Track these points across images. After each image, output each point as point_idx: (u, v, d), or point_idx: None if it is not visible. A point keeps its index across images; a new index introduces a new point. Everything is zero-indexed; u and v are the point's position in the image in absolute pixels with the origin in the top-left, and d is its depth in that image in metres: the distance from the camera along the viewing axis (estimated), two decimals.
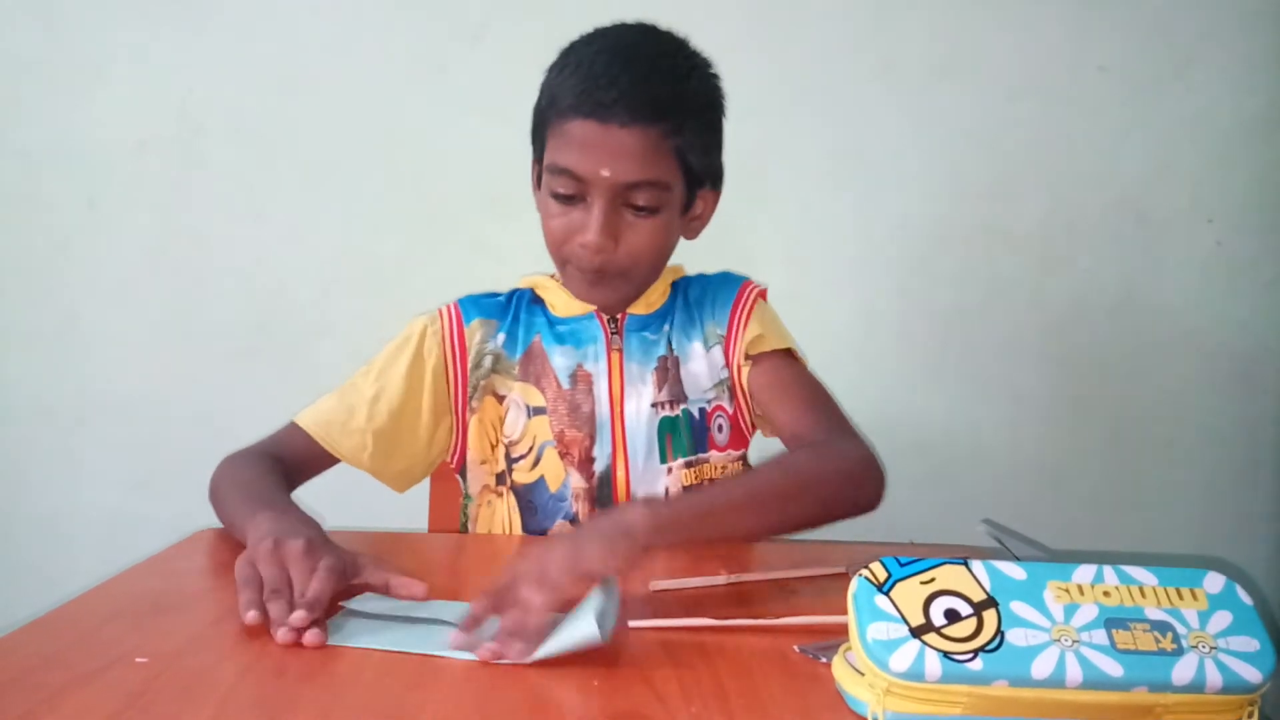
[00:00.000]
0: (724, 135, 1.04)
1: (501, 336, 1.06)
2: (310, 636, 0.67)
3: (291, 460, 0.97)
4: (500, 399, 1.05)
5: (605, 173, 0.93)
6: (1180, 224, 1.67)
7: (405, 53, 1.61)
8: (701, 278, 1.12)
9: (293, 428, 1.00)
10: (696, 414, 1.05)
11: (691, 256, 1.15)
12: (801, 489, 0.85)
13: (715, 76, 1.02)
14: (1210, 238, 1.67)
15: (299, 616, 0.67)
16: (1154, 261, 1.68)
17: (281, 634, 0.67)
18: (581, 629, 0.63)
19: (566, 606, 0.67)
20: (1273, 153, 1.66)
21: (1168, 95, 1.64)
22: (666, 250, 1.04)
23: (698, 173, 1.01)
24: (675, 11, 1.06)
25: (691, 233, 1.07)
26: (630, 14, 1.05)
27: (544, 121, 0.99)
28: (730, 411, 1.06)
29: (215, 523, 0.92)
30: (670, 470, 1.03)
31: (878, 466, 0.91)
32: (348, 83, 1.61)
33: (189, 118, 1.62)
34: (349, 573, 0.77)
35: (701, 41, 1.04)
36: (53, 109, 1.62)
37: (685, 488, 1.03)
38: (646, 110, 0.93)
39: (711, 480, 1.04)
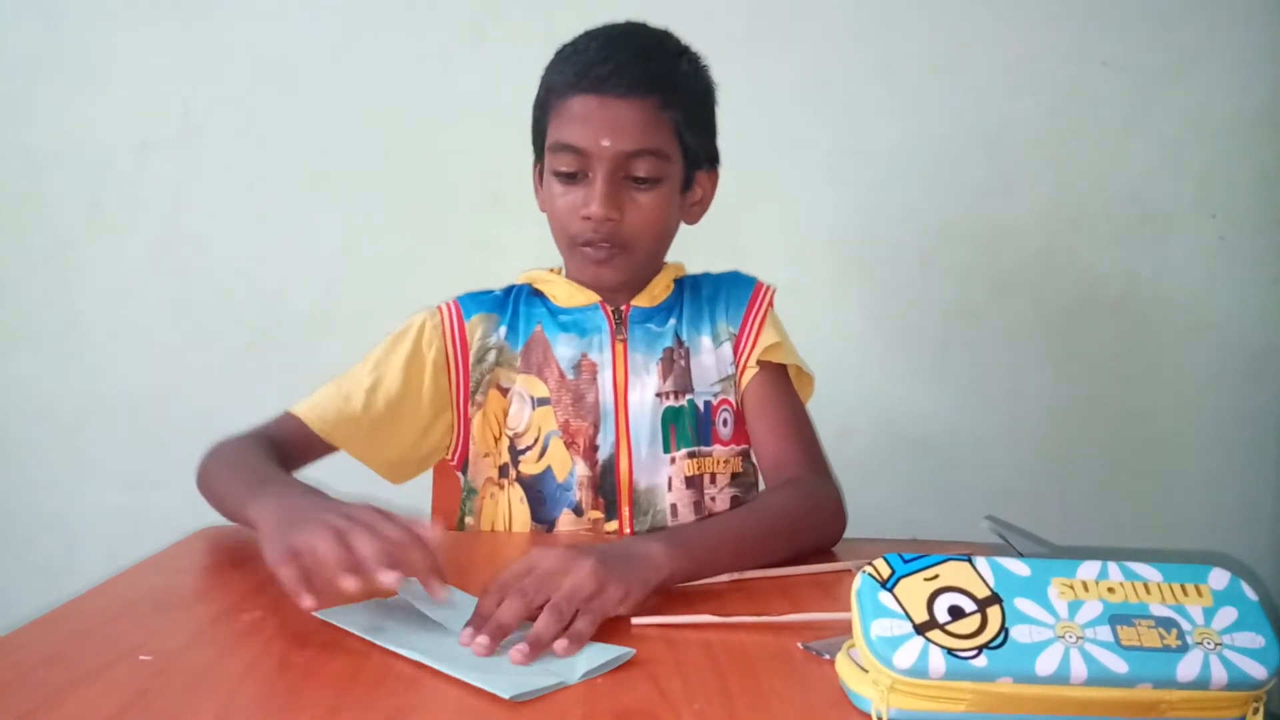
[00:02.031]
0: (717, 122, 1.07)
1: (503, 330, 1.07)
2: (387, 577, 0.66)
3: (284, 445, 0.97)
4: (504, 392, 1.06)
5: (606, 142, 0.96)
6: (1184, 220, 1.67)
7: (405, 53, 1.61)
8: (710, 276, 1.13)
9: (286, 415, 1.01)
10: (702, 406, 1.06)
11: (695, 253, 1.15)
12: (788, 531, 0.90)
13: (705, 66, 1.06)
14: (1214, 233, 1.67)
15: (392, 578, 0.66)
16: (1157, 257, 1.67)
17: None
18: (554, 671, 0.62)
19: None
20: (1276, 148, 1.65)
21: (1171, 91, 1.64)
22: (669, 226, 1.05)
23: (694, 151, 1.03)
24: (676, 11, 1.07)
25: (692, 217, 1.09)
26: (631, 14, 1.05)
27: (544, 111, 1.03)
28: (736, 407, 1.07)
29: (217, 521, 0.92)
30: (674, 460, 1.04)
31: (844, 510, 0.97)
32: (348, 83, 1.61)
33: (191, 118, 1.62)
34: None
35: (703, 40, 1.05)
36: (55, 109, 1.62)
37: (687, 478, 1.04)
38: (642, 82, 0.97)
39: (714, 477, 1.05)
